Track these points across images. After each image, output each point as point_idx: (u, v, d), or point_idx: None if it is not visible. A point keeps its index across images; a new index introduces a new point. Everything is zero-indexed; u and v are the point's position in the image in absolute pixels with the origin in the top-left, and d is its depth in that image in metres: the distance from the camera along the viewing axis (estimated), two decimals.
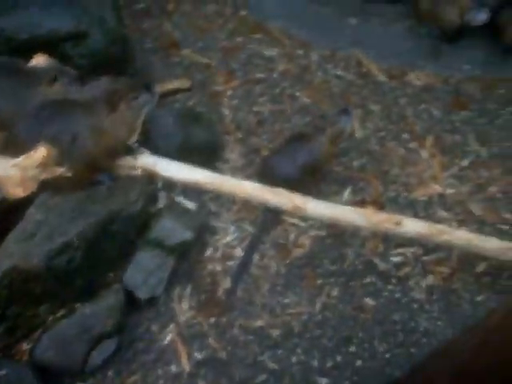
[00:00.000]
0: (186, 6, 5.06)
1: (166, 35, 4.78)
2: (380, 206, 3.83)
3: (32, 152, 2.58)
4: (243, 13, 5.02)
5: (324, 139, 3.70)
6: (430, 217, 3.79)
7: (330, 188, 3.88)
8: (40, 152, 2.55)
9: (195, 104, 4.23)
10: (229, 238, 3.63)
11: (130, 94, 3.00)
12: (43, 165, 2.58)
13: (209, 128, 3.92)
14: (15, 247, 2.94)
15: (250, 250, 3.55)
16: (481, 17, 4.52)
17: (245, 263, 3.51)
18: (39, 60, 3.44)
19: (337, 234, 3.66)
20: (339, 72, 4.62)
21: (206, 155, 3.80)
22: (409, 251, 3.65)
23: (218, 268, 3.53)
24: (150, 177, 3.25)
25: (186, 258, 3.48)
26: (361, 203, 3.81)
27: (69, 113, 2.81)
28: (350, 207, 3.26)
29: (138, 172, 3.19)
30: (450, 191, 3.96)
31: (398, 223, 3.26)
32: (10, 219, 3.49)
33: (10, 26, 3.66)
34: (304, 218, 3.65)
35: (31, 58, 3.42)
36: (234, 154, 4.01)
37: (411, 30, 4.88)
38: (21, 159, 2.60)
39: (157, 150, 3.36)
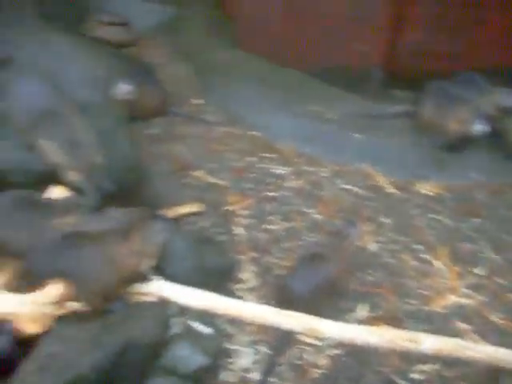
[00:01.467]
0: (198, 130, 5.28)
1: (179, 158, 4.96)
2: (397, 320, 3.78)
3: (48, 288, 2.63)
4: (253, 133, 5.23)
5: (338, 257, 3.72)
6: (448, 330, 3.73)
7: (345, 305, 3.85)
8: (56, 289, 2.60)
9: (208, 225, 4.31)
10: (245, 361, 3.57)
11: (144, 224, 3.09)
12: (60, 301, 2.62)
13: (222, 249, 3.97)
14: (29, 379, 2.92)
15: (267, 373, 3.48)
16: (481, 128, 4.66)
17: None
18: (54, 192, 3.59)
19: (354, 352, 3.58)
20: (349, 186, 4.73)
21: (220, 277, 3.82)
22: (430, 368, 3.55)
23: None
24: (164, 303, 3.28)
25: None
26: (377, 319, 3.77)
27: (81, 246, 2.88)
28: (364, 327, 3.22)
29: (152, 299, 3.23)
30: (467, 302, 3.92)
31: (416, 341, 3.21)
32: (23, 349, 3.51)
33: (26, 157, 3.83)
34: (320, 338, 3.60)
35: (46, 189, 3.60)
36: (247, 274, 4.02)
37: (415, 142, 5.04)
38: (37, 295, 2.64)
39: (170, 276, 3.42)
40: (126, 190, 3.97)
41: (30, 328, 2.64)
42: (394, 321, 3.76)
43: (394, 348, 3.34)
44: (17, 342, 3.41)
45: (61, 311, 2.66)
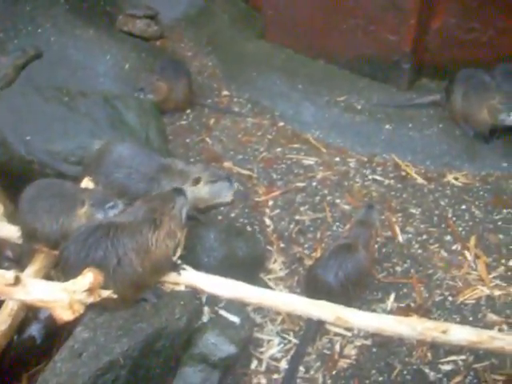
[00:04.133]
0: (226, 121, 5.31)
1: (208, 149, 5.00)
2: (426, 311, 3.77)
3: (80, 277, 2.69)
4: (281, 124, 5.25)
5: (366, 246, 3.72)
6: (478, 321, 3.71)
7: (373, 295, 3.85)
8: (87, 277, 2.66)
9: (237, 215, 4.35)
10: (273, 350, 3.61)
11: (168, 205, 3.16)
12: (91, 289, 2.68)
13: (252, 240, 3.99)
14: (63, 366, 2.98)
15: (295, 362, 3.51)
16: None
17: (290, 376, 3.46)
18: (87, 183, 3.66)
19: (383, 342, 3.59)
20: (377, 177, 4.72)
21: (250, 267, 3.86)
22: (459, 359, 3.54)
23: (263, 381, 3.48)
24: (194, 292, 3.32)
25: (230, 372, 3.44)
26: (406, 309, 3.76)
27: (114, 236, 2.94)
28: (394, 317, 3.21)
29: (182, 288, 3.27)
30: (498, 293, 3.88)
31: (445, 331, 3.19)
32: (57, 337, 3.59)
33: (63, 149, 3.92)
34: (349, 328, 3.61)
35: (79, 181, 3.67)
36: (276, 265, 4.06)
37: (446, 132, 4.99)
38: (69, 284, 2.71)
39: (200, 266, 3.47)
40: None
41: (64, 315, 2.70)
42: (423, 311, 3.76)
43: (423, 339, 3.33)
44: (51, 329, 3.55)
45: (92, 299, 2.72)
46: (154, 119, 4.26)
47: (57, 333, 3.52)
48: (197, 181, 3.60)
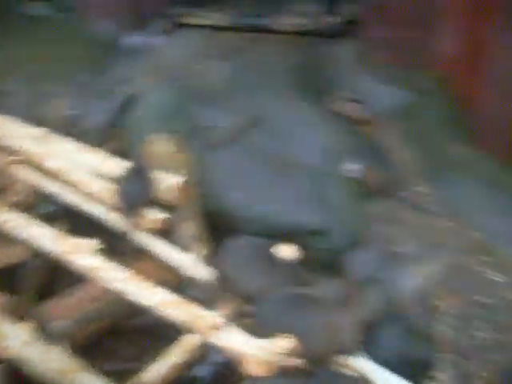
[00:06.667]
0: (416, 218, 5.31)
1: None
2: None
3: (278, 339, 2.83)
4: (472, 233, 5.13)
5: None
6: None
7: None
8: (287, 342, 2.79)
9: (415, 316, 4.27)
10: None
11: (360, 295, 3.26)
12: (287, 354, 2.79)
13: (427, 344, 3.93)
14: None
15: None
16: None
17: None
18: (287, 249, 3.89)
19: None
20: None
21: (419, 372, 3.80)
22: None
23: None
24: (363, 381, 3.34)
25: None
26: None
27: (305, 307, 3.10)
28: None
29: (351, 373, 3.31)
30: None
31: None
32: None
33: (265, 211, 4.22)
34: None
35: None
36: (443, 375, 3.94)
37: None
38: (266, 342, 2.86)
39: (373, 356, 3.48)
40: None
41: (254, 370, 2.83)
42: None
43: None
44: (221, 375, 3.75)
45: (284, 363, 2.84)
46: (359, 202, 4.40)
47: (226, 379, 3.72)
48: None
